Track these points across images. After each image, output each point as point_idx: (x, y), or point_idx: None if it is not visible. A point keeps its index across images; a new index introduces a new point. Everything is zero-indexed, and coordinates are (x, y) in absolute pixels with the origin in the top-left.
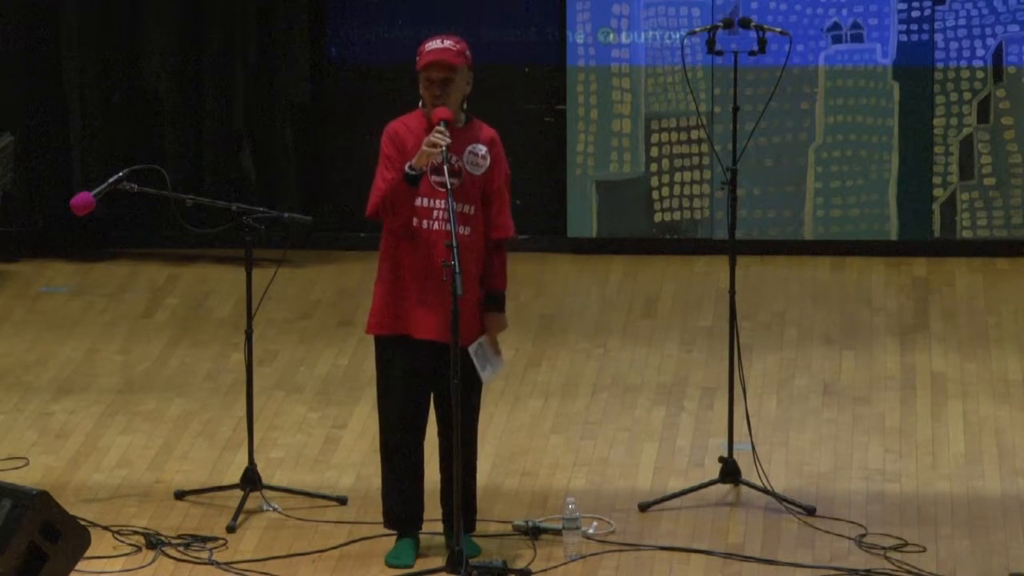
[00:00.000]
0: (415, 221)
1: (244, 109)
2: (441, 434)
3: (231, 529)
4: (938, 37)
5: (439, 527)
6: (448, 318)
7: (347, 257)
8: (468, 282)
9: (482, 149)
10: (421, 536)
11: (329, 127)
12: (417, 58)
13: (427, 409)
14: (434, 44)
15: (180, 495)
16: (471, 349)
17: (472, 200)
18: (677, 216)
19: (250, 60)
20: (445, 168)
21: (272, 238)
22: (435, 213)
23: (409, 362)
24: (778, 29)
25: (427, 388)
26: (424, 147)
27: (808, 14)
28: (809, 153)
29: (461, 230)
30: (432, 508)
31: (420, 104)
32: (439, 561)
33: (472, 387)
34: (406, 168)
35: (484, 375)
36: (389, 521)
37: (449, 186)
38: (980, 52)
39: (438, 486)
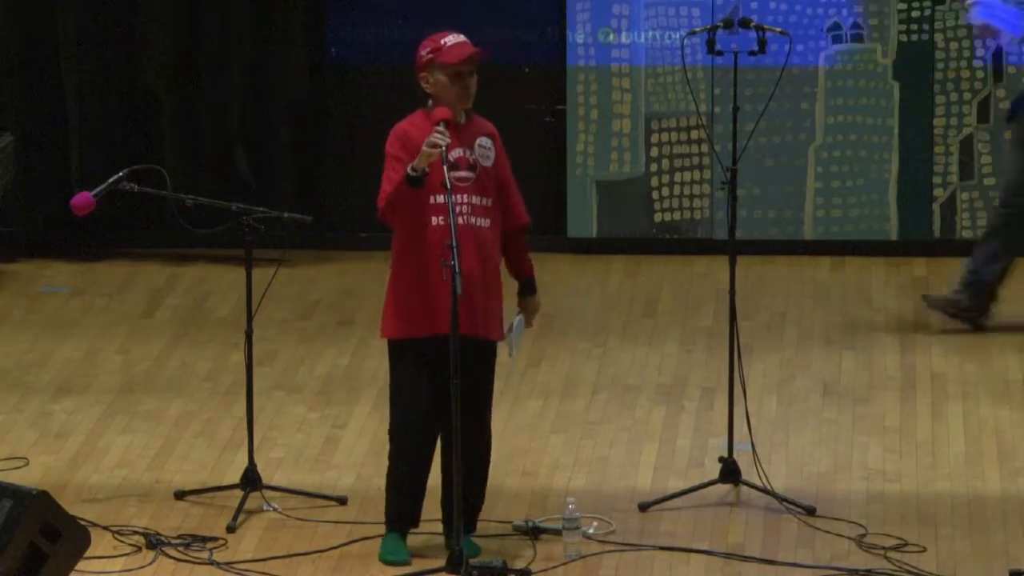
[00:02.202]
0: (434, 220)
1: (241, 110)
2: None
3: (231, 529)
4: (938, 37)
5: (438, 527)
6: (477, 312)
7: (347, 257)
8: (491, 274)
9: (487, 141)
10: (421, 536)
11: (327, 128)
12: (431, 55)
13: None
14: (455, 38)
15: (180, 495)
16: (513, 323)
17: (489, 193)
18: (677, 216)
19: (248, 60)
20: (444, 167)
21: (272, 238)
22: (458, 208)
23: (433, 364)
24: (778, 29)
25: (444, 389)
26: (424, 147)
27: (808, 14)
28: (809, 153)
29: (481, 222)
30: (432, 508)
31: (429, 103)
32: (439, 561)
33: (486, 382)
34: (408, 170)
35: (514, 354)
36: (392, 520)
37: (449, 185)
38: (980, 52)
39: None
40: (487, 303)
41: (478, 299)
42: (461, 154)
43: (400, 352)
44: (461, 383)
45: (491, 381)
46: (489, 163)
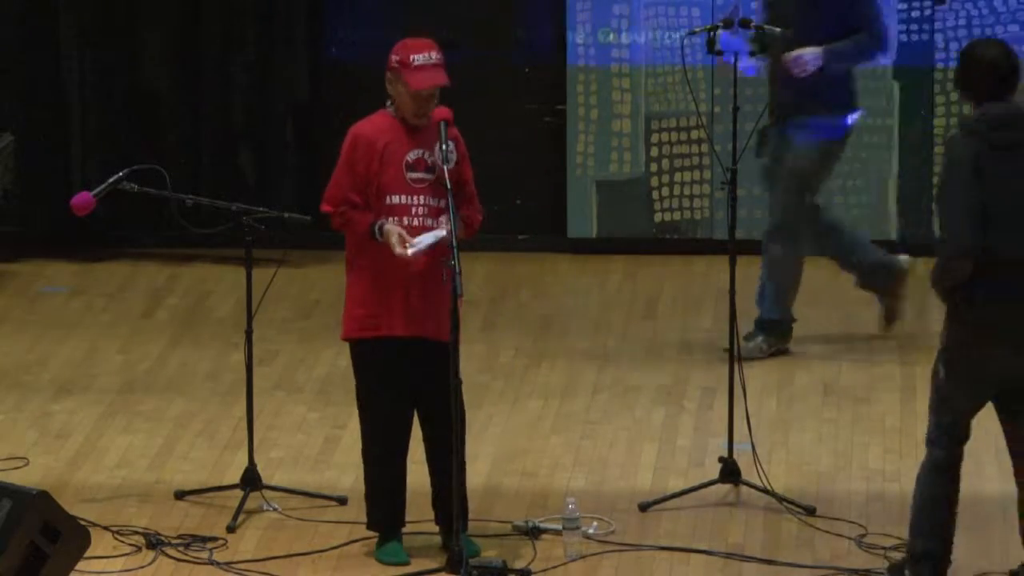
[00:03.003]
0: (391, 221)
1: (243, 109)
2: (433, 435)
3: (231, 529)
4: (938, 37)
5: (431, 527)
6: (434, 314)
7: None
8: (440, 276)
9: (450, 143)
10: (420, 536)
11: (328, 127)
12: (398, 66)
13: (412, 412)
14: (425, 58)
15: (180, 495)
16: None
17: (445, 194)
18: (677, 216)
19: (249, 60)
20: (445, 170)
21: (272, 238)
22: (414, 210)
23: (395, 364)
24: (778, 29)
25: (411, 390)
26: (397, 248)
27: None
28: None
29: (435, 224)
30: (426, 509)
31: (388, 104)
32: (437, 562)
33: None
34: (375, 231)
35: (412, 250)
36: (378, 526)
37: (449, 185)
38: None
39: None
40: (439, 304)
41: (431, 300)
42: (419, 156)
43: (363, 355)
44: (431, 388)
45: (460, 383)
46: (449, 165)
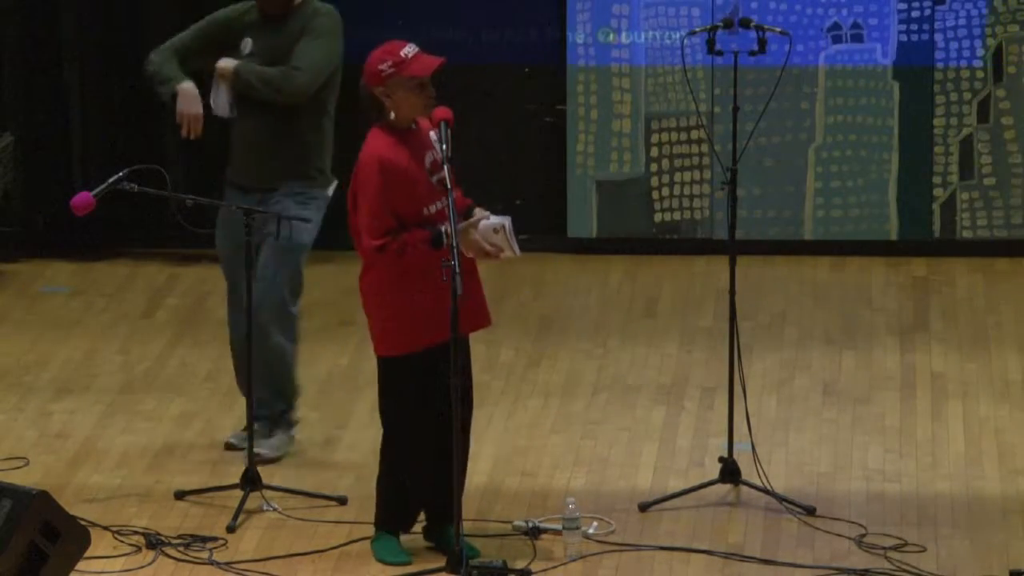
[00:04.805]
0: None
1: None
2: (438, 435)
3: (231, 529)
4: (938, 37)
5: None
6: (469, 310)
7: (347, 257)
8: (470, 265)
9: (437, 135)
10: (418, 536)
11: (337, 128)
12: (393, 69)
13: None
14: (412, 49)
15: (180, 495)
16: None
17: (456, 185)
18: (677, 216)
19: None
20: (446, 168)
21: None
22: (446, 212)
23: (437, 370)
24: (778, 29)
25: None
26: (481, 245)
27: (808, 14)
28: (809, 153)
29: (459, 219)
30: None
31: (390, 116)
32: (439, 561)
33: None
34: (441, 239)
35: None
36: (386, 525)
37: (449, 186)
38: (980, 52)
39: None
40: (469, 300)
41: (474, 296)
42: (434, 157)
43: (409, 367)
44: (464, 384)
45: (470, 381)
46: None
